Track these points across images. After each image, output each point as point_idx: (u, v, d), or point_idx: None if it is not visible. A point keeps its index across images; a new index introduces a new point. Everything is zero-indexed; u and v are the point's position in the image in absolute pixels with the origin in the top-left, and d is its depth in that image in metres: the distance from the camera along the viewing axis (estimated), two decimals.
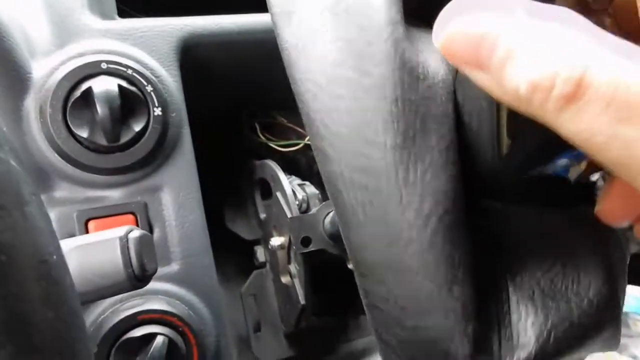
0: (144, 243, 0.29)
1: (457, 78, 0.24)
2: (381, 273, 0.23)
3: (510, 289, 0.24)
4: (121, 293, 0.29)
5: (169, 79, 0.47)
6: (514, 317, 0.24)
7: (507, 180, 0.25)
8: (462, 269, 0.22)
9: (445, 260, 0.22)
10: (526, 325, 0.24)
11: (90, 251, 0.28)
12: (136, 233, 0.29)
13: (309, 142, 0.59)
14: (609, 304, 0.25)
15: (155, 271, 0.31)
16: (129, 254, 0.28)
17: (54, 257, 0.17)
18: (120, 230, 0.29)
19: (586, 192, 0.27)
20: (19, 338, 0.16)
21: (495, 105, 0.22)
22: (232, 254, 0.59)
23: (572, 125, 0.16)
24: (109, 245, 0.28)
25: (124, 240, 0.29)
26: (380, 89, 0.22)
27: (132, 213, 0.45)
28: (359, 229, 0.23)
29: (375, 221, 0.23)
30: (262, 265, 0.56)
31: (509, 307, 0.24)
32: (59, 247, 0.18)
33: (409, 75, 0.23)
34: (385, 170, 0.22)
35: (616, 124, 0.15)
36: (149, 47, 0.46)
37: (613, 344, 0.26)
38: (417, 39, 0.24)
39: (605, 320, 0.25)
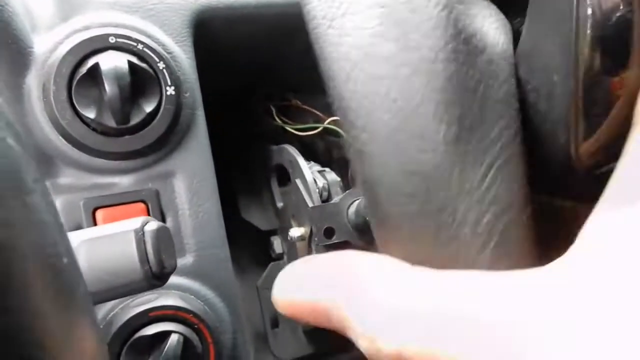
0: (162, 236, 0.26)
1: (519, 48, 0.20)
2: None
3: None
4: (136, 293, 0.26)
5: (182, 55, 0.43)
6: None
7: (580, 175, 0.20)
8: None
9: None
10: None
11: (101, 245, 0.25)
12: (153, 225, 0.26)
13: (328, 126, 0.55)
14: None
15: (175, 268, 0.27)
16: (145, 248, 0.25)
17: (64, 259, 0.14)
18: (135, 222, 0.26)
19: None
20: None
21: (572, 80, 0.18)
22: (246, 244, 0.56)
23: None
24: (122, 238, 0.25)
25: (140, 233, 0.25)
26: (430, 64, 0.18)
27: (143, 201, 0.42)
28: (403, 248, 0.19)
29: (425, 242, 0.19)
30: (279, 257, 0.53)
31: None
32: (69, 247, 0.15)
33: (464, 46, 0.19)
34: (436, 173, 0.18)
35: None
36: (160, 21, 0.43)
37: None
38: (469, 1, 0.20)
39: None
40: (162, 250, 0.26)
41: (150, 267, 0.25)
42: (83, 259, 0.25)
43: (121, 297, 0.27)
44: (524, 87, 0.20)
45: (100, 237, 0.25)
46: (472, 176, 0.18)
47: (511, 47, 0.20)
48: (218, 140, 0.46)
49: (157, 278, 0.26)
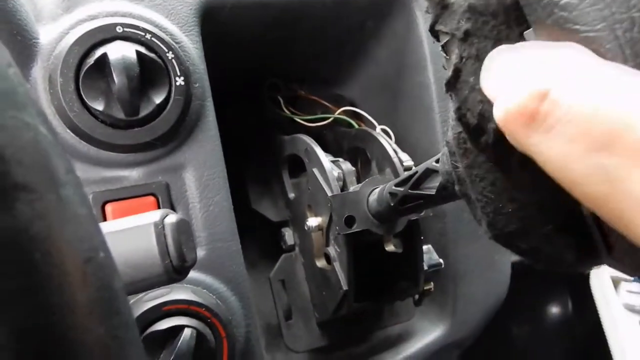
0: (182, 229, 0.25)
1: None
2: None
3: None
4: (156, 287, 0.25)
5: (190, 45, 0.42)
6: None
7: None
8: None
9: None
10: None
11: (121, 239, 0.24)
12: (173, 218, 0.25)
13: (339, 117, 0.54)
14: None
15: (195, 262, 0.27)
16: (165, 242, 0.24)
17: (101, 253, 0.13)
18: (155, 215, 0.25)
19: None
20: None
21: None
22: (255, 236, 0.55)
23: (544, 150, 0.15)
24: (142, 232, 0.24)
25: (160, 227, 0.24)
26: None
27: (153, 195, 0.41)
28: None
29: None
30: (291, 248, 0.52)
31: None
32: (104, 241, 0.14)
33: None
34: None
35: (595, 152, 0.14)
36: (167, 10, 0.42)
37: None
38: None
39: None
40: (182, 244, 0.25)
41: (171, 261, 0.24)
42: None
43: (141, 291, 0.26)
44: None
45: (119, 230, 0.24)
46: None
47: None
48: (226, 131, 0.46)
49: (177, 272, 0.25)
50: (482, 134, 0.20)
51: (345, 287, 0.42)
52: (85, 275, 0.12)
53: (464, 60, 0.19)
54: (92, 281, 0.13)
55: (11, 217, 0.11)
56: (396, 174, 0.43)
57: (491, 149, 0.20)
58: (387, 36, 0.56)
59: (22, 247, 0.11)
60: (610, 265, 0.19)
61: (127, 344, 0.13)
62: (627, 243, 0.16)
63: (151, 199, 0.41)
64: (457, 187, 0.24)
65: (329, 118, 0.53)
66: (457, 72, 0.20)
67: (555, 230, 0.20)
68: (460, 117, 0.20)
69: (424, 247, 0.48)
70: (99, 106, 0.37)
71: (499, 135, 0.18)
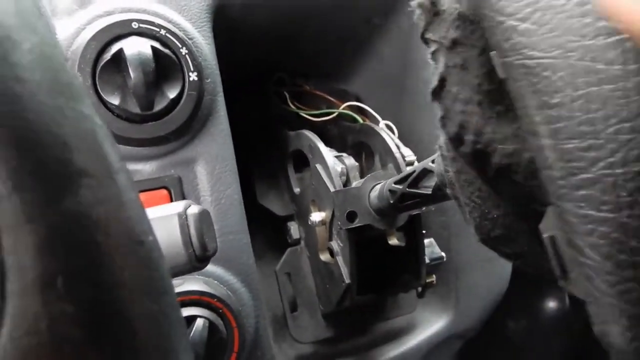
0: (204, 220, 0.26)
1: None
2: None
3: None
4: (179, 276, 0.26)
5: (202, 41, 0.43)
6: None
7: None
8: None
9: None
10: None
11: None
12: (195, 209, 0.26)
13: (343, 111, 0.55)
14: None
15: (216, 251, 0.28)
16: (189, 232, 0.25)
17: (149, 237, 0.14)
18: (178, 206, 0.26)
19: None
20: (121, 338, 0.12)
21: None
22: (261, 230, 0.56)
23: None
24: (166, 222, 0.25)
25: (183, 217, 0.25)
26: None
27: (166, 188, 0.42)
28: None
29: None
30: (296, 242, 0.53)
31: None
32: (150, 225, 0.15)
33: None
34: None
35: None
36: (179, 6, 0.42)
37: None
38: None
39: None
40: (204, 234, 0.26)
41: (194, 250, 0.25)
42: None
43: None
44: None
45: None
46: None
47: None
48: (233, 126, 0.47)
49: (200, 261, 0.26)
50: (460, 144, 0.20)
51: (347, 281, 0.43)
52: (139, 257, 0.13)
53: (449, 69, 0.19)
54: (145, 262, 0.14)
55: (76, 203, 0.12)
56: (398, 169, 0.44)
57: (469, 158, 0.20)
58: (392, 32, 0.57)
59: (86, 230, 0.12)
60: (563, 287, 0.18)
61: (175, 321, 0.14)
62: (580, 270, 0.15)
63: (164, 192, 0.42)
64: (448, 190, 0.25)
65: (333, 113, 0.54)
66: (442, 81, 0.20)
67: (536, 239, 0.20)
68: (443, 126, 0.20)
69: (426, 241, 0.49)
70: (115, 101, 0.37)
71: (476, 147, 0.19)
